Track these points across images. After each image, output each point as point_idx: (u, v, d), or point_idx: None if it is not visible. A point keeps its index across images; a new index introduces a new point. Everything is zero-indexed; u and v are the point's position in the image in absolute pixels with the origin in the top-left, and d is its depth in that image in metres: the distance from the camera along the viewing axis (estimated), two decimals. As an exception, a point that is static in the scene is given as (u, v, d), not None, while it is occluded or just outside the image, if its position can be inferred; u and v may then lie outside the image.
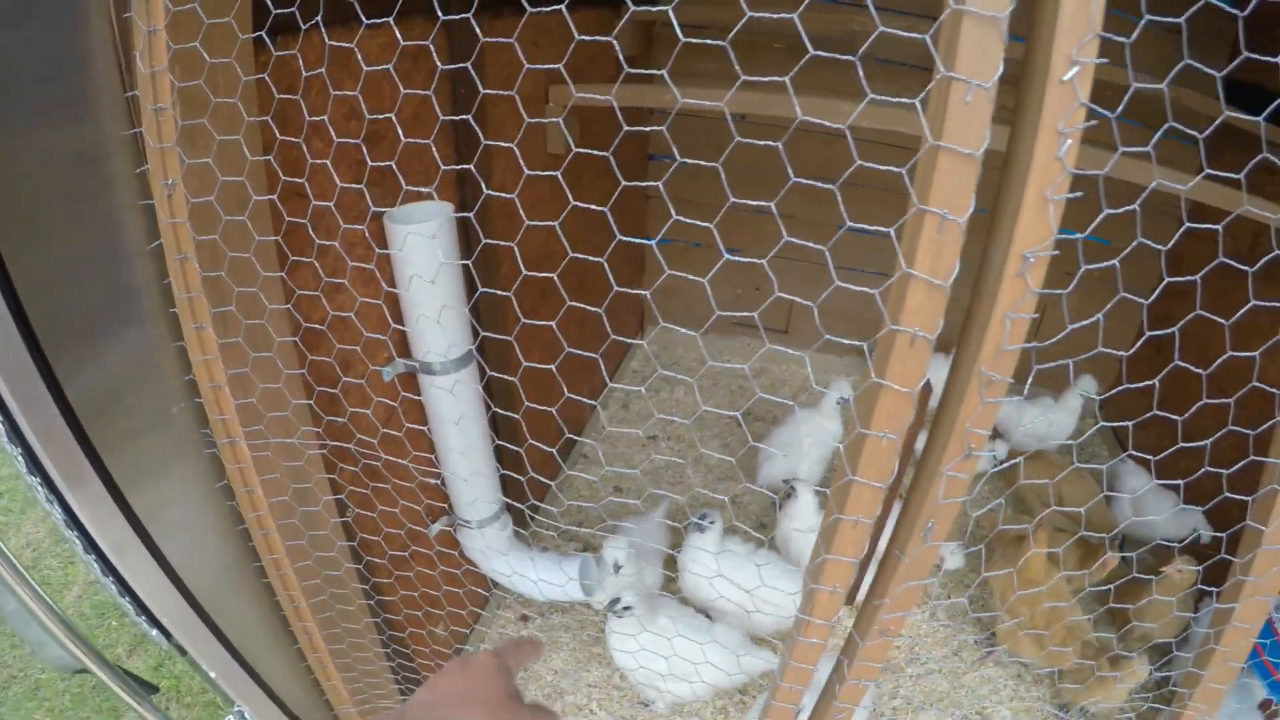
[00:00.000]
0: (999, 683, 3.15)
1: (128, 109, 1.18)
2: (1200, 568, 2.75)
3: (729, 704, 2.86)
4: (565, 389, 1.54)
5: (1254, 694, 2.56)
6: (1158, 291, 3.44)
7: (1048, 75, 0.73)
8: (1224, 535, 1.38)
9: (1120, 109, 0.97)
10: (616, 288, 3.30)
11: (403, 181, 1.77)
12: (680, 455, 4.02)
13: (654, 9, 3.46)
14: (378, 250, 1.82)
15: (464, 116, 1.93)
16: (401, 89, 1.81)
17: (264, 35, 1.29)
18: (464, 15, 1.59)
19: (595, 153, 1.23)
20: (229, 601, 1.61)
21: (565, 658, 2.96)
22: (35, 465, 1.15)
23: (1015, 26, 0.71)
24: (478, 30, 1.67)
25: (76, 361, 1.17)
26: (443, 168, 2.07)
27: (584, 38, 1.12)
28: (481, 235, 1.97)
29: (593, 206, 1.32)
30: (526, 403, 2.17)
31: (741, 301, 4.30)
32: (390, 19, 1.68)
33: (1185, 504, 3.13)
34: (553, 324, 1.62)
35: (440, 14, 1.55)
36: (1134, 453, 3.58)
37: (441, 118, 2.00)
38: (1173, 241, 1.61)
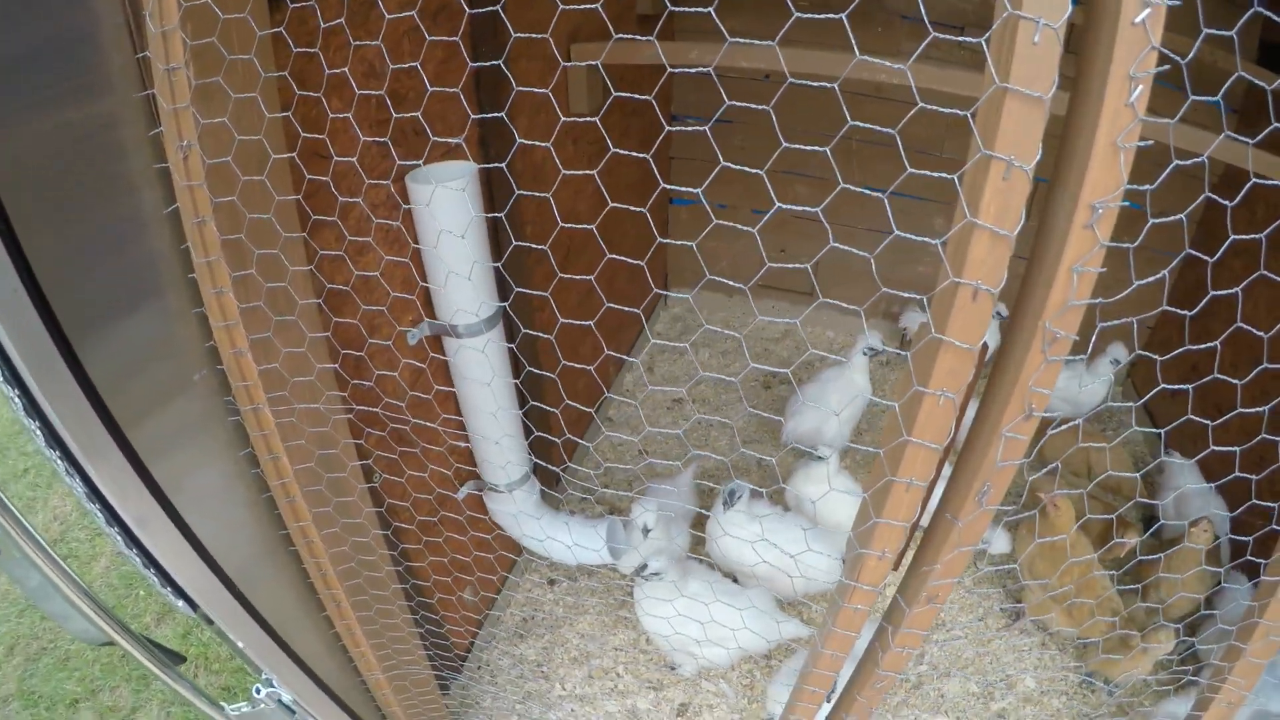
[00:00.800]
0: (1024, 651, 3.13)
1: (139, 71, 1.14)
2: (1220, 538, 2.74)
3: (754, 668, 2.85)
4: (604, 345, 1.49)
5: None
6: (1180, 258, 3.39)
7: (1119, 17, 0.68)
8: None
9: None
10: (659, 237, 3.25)
11: (430, 133, 1.72)
12: (708, 416, 3.99)
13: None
14: (404, 206, 1.77)
15: (494, 62, 1.86)
16: (427, 36, 1.75)
17: (279, -12, 1.24)
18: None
19: (630, 96, 1.17)
20: (255, 570, 1.59)
21: (591, 621, 2.96)
22: (54, 439, 1.12)
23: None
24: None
25: (93, 332, 1.13)
26: (472, 117, 2.02)
27: None
28: (515, 187, 1.92)
29: (630, 154, 1.27)
30: (564, 361, 2.14)
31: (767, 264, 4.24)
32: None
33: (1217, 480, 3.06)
34: (591, 278, 1.57)
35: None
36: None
37: (470, 64, 1.94)
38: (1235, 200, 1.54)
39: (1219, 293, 2.82)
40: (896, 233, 0.89)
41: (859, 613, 1.05)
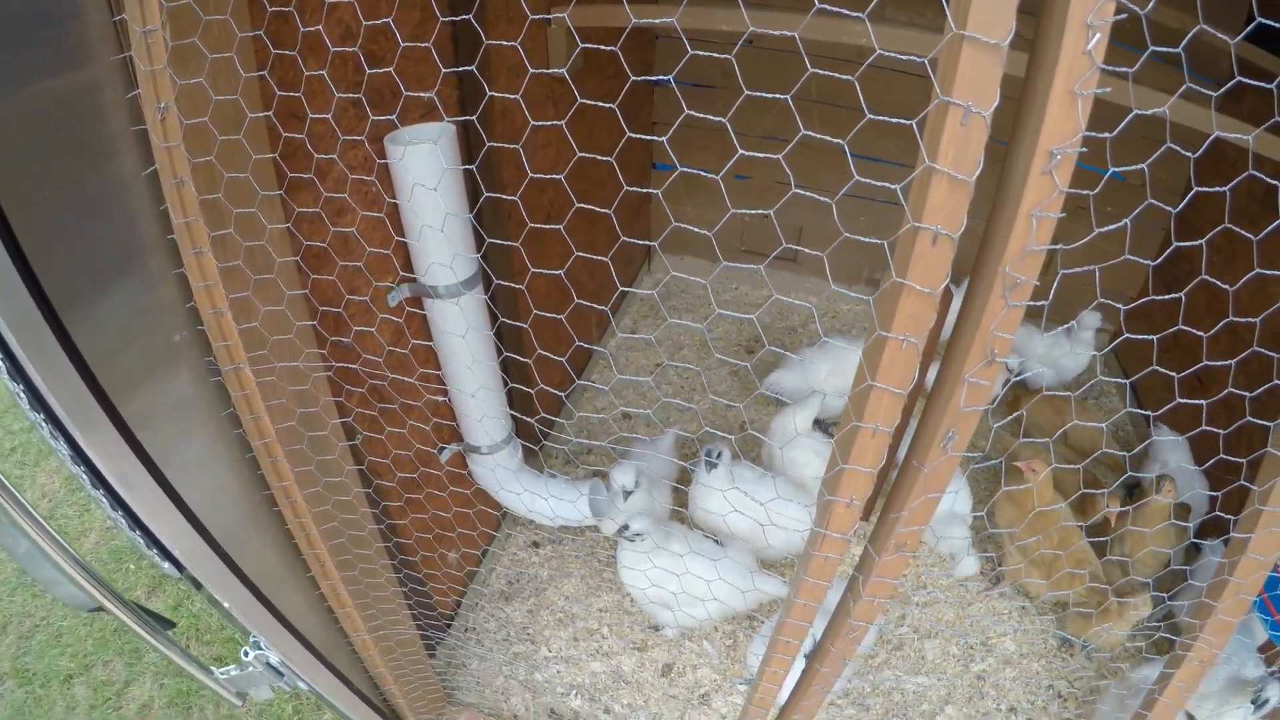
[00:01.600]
0: (1004, 615, 3.19)
1: (115, 34, 1.14)
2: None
3: (737, 629, 2.90)
4: (575, 295, 1.51)
5: (1255, 634, 2.57)
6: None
7: (1077, -36, 0.70)
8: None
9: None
10: (626, 187, 3.26)
11: (403, 88, 1.72)
12: (689, 380, 4.02)
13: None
14: (379, 161, 1.78)
15: (465, 16, 1.86)
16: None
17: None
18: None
19: (598, 47, 1.18)
20: (240, 531, 1.61)
21: (576, 584, 3.00)
22: (39, 402, 1.13)
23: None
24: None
25: (76, 294, 1.14)
26: (443, 71, 2.02)
27: None
28: (485, 138, 1.93)
29: (599, 104, 1.27)
30: (535, 310, 2.16)
31: (750, 231, 4.25)
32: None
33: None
34: (566, 239, 1.58)
35: None
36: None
37: (443, 22, 1.94)
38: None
39: (1183, 244, 2.87)
40: (858, 177, 0.91)
41: (829, 561, 1.08)
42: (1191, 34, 1.20)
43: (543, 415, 3.15)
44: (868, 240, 1.21)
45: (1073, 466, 3.14)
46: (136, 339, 1.28)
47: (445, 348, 2.09)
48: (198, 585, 1.52)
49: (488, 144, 1.98)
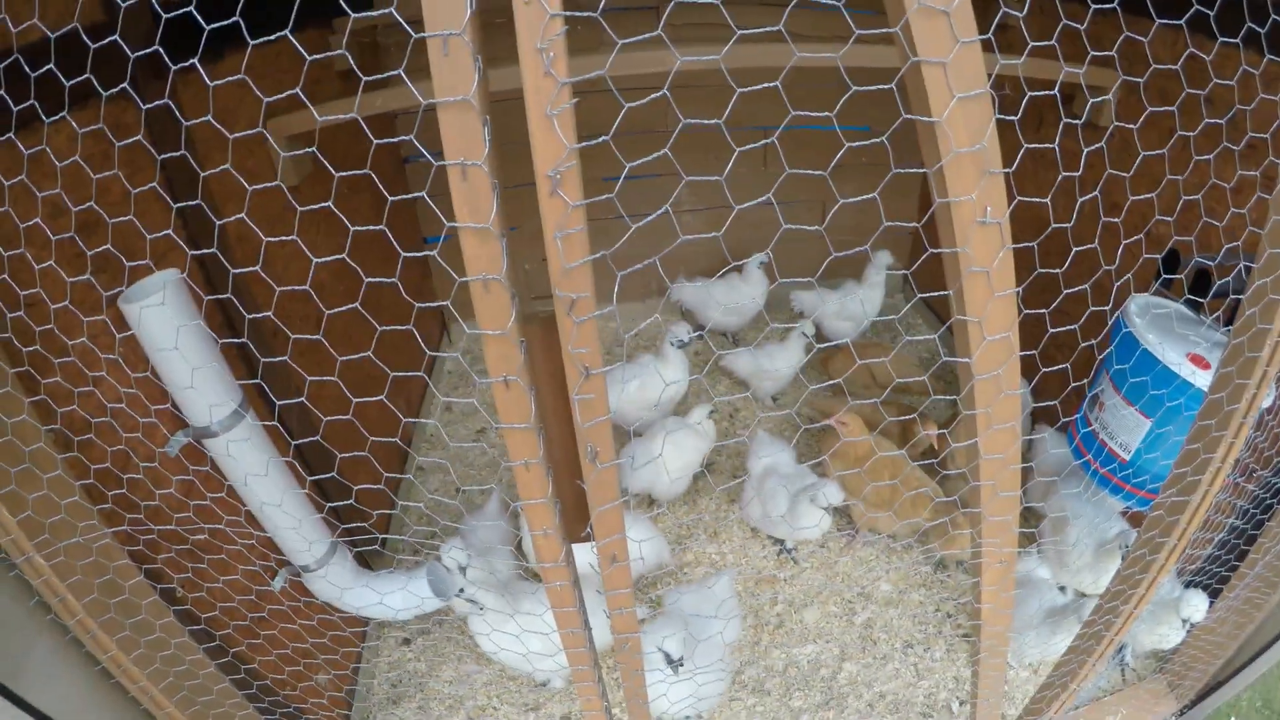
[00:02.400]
0: (872, 562, 3.49)
1: None
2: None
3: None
4: (380, 381, 1.64)
5: (1109, 506, 2.98)
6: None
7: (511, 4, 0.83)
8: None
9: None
10: (403, 253, 3.41)
11: (123, 261, 1.87)
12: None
13: (373, 14, 3.52)
14: (119, 335, 1.91)
15: (178, 153, 2.01)
16: (91, 176, 1.89)
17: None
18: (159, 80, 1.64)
19: (309, 151, 1.35)
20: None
21: (455, 666, 3.15)
22: None
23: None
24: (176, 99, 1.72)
25: None
26: (174, 207, 2.16)
27: (313, 57, 1.23)
28: (229, 266, 2.05)
29: (320, 206, 1.43)
30: (327, 417, 2.29)
31: (535, 275, 4.49)
32: (65, 114, 1.77)
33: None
34: (320, 336, 1.71)
35: (139, 100, 1.59)
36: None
37: (159, 156, 2.08)
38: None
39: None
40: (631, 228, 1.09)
41: (563, 587, 1.28)
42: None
43: (378, 512, 3.28)
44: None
45: (870, 401, 3.45)
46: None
47: (237, 483, 2.22)
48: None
49: (231, 271, 2.14)
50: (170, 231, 2.08)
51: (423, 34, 0.84)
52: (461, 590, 2.57)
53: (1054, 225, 3.09)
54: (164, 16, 1.22)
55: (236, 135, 2.39)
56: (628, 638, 1.43)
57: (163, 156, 2.10)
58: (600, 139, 1.00)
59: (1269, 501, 2.44)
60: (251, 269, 1.74)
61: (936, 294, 1.21)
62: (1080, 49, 2.94)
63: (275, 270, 2.68)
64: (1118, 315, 2.46)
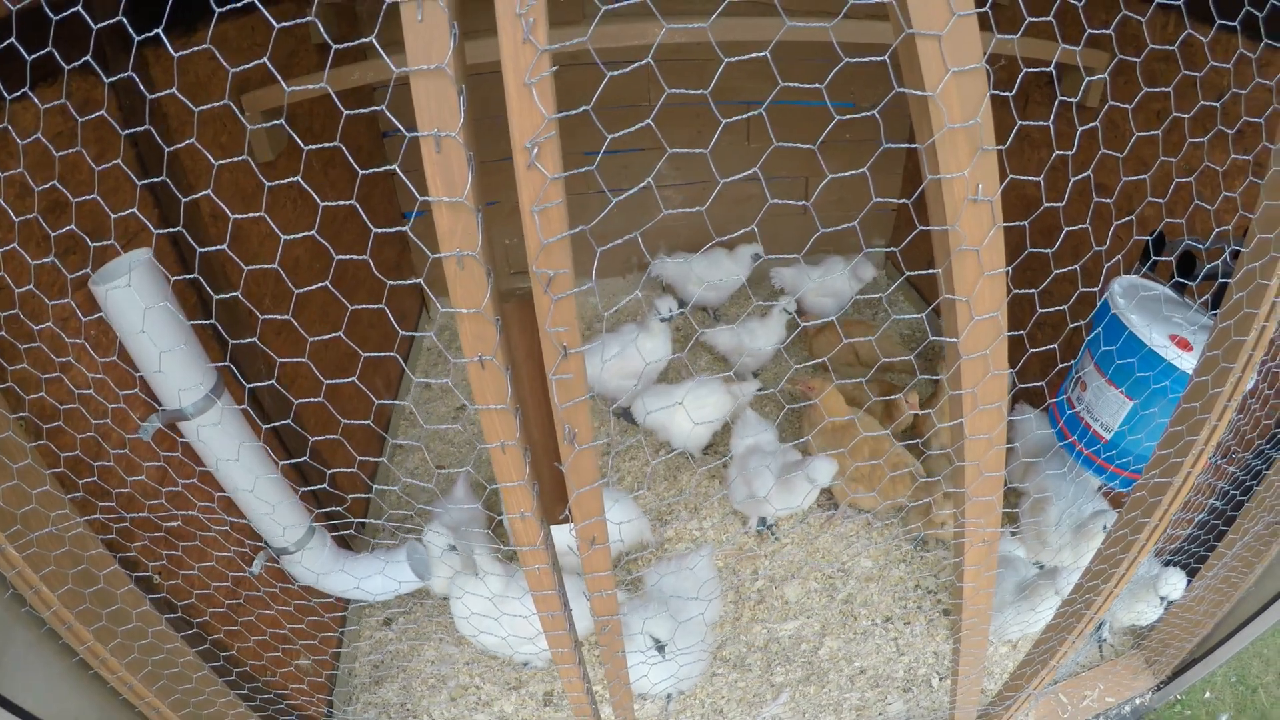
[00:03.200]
0: (852, 537, 3.49)
1: None
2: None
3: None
4: (356, 358, 1.61)
5: (1090, 483, 2.98)
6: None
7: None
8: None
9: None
10: (373, 228, 3.36)
11: (89, 242, 1.81)
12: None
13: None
14: (84, 319, 1.86)
15: (144, 128, 1.95)
16: (56, 155, 1.83)
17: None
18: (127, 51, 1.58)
19: (279, 124, 1.31)
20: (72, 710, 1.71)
21: (437, 645, 3.13)
22: None
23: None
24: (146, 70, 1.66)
25: None
26: (139, 184, 2.10)
27: (282, 24, 1.18)
28: (196, 245, 2.01)
29: (291, 180, 1.40)
30: (296, 400, 2.24)
31: (514, 251, 4.44)
32: (28, 90, 1.71)
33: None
34: (289, 316, 1.69)
35: (101, 73, 1.54)
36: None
37: (122, 133, 2.02)
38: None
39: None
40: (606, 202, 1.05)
41: (539, 571, 1.25)
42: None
43: (353, 495, 3.24)
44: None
45: (854, 380, 3.45)
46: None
47: (214, 465, 2.18)
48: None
49: (199, 250, 2.08)
50: (135, 209, 2.02)
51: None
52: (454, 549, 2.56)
53: (1045, 205, 3.07)
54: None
55: (202, 108, 2.32)
56: (608, 620, 1.41)
57: (128, 132, 2.04)
58: (580, 109, 0.96)
59: (1248, 483, 2.44)
60: (219, 247, 1.69)
61: (922, 272, 1.17)
62: (1074, 29, 2.92)
63: (250, 248, 2.62)
64: (1104, 298, 2.45)
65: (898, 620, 3.19)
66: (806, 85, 1.25)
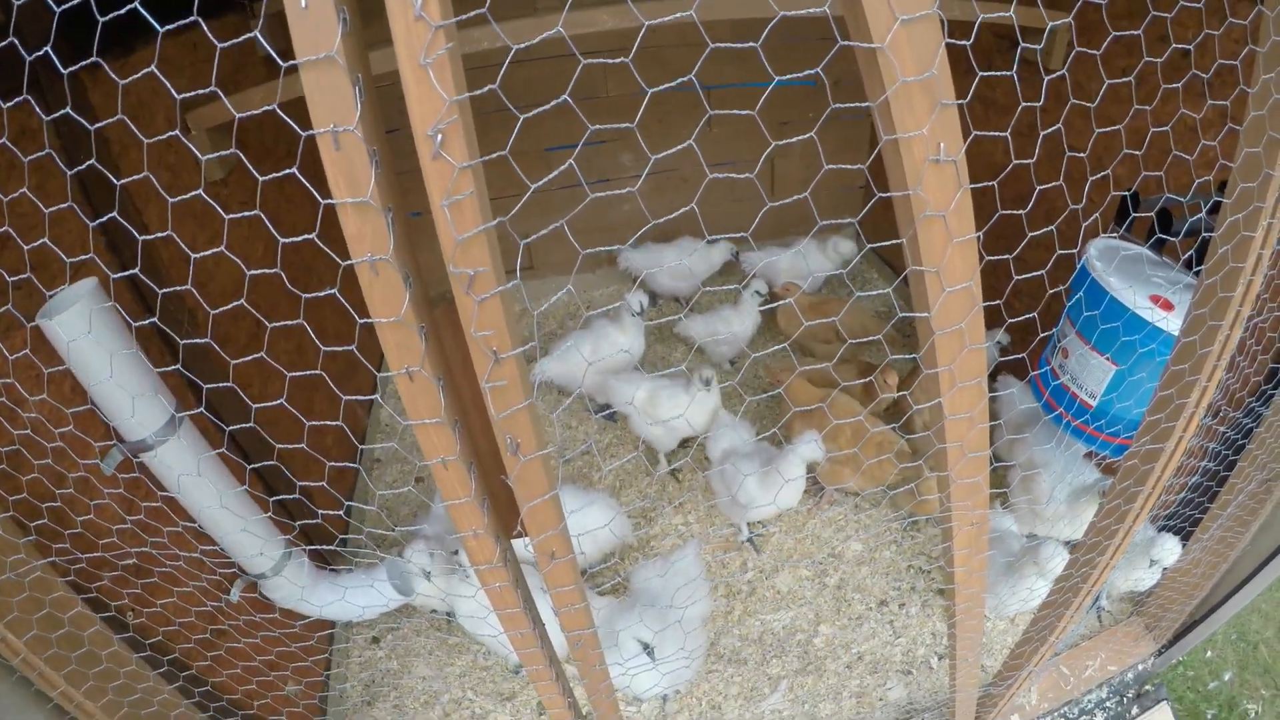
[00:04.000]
0: (841, 522, 3.42)
1: None
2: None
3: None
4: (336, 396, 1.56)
5: (1077, 452, 2.92)
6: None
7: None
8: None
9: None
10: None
11: (36, 281, 1.72)
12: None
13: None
14: (32, 357, 1.76)
15: (89, 163, 1.85)
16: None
17: None
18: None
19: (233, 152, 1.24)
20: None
21: (427, 661, 3.04)
22: None
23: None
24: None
25: None
26: (90, 225, 2.01)
27: (223, 44, 1.09)
28: (156, 287, 1.93)
29: (245, 214, 1.32)
30: (259, 426, 2.16)
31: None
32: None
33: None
34: (264, 355, 1.63)
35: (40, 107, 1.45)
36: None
37: (68, 172, 1.93)
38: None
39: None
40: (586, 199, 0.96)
41: (502, 588, 1.17)
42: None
43: (328, 513, 3.16)
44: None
45: (819, 366, 3.39)
46: None
47: (181, 496, 2.09)
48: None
49: (160, 292, 1.99)
50: (75, 205, 1.92)
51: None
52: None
53: (1014, 163, 2.99)
54: (57, 10, 1.05)
55: (153, 140, 2.23)
56: (581, 634, 1.32)
57: (73, 171, 1.95)
58: (550, 105, 0.86)
59: (1240, 442, 2.38)
60: (180, 287, 1.59)
61: (888, 243, 1.08)
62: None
63: (205, 266, 2.52)
64: (1082, 260, 2.37)
65: (892, 602, 3.14)
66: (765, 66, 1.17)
